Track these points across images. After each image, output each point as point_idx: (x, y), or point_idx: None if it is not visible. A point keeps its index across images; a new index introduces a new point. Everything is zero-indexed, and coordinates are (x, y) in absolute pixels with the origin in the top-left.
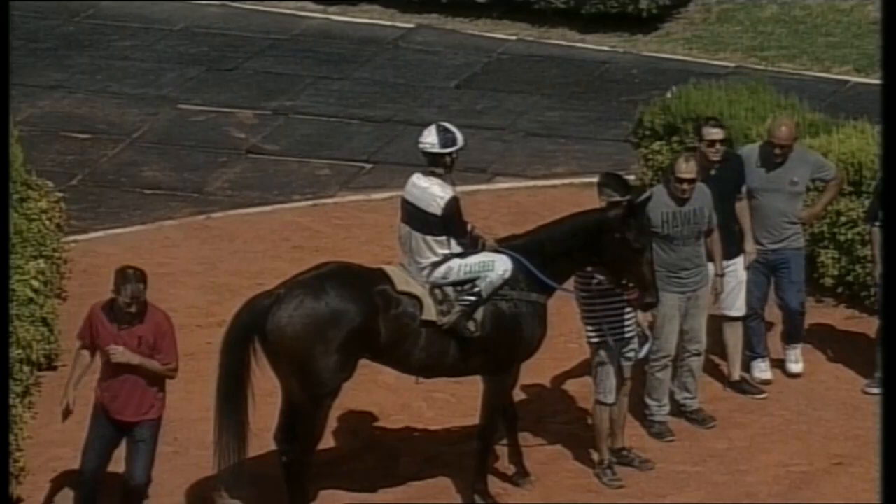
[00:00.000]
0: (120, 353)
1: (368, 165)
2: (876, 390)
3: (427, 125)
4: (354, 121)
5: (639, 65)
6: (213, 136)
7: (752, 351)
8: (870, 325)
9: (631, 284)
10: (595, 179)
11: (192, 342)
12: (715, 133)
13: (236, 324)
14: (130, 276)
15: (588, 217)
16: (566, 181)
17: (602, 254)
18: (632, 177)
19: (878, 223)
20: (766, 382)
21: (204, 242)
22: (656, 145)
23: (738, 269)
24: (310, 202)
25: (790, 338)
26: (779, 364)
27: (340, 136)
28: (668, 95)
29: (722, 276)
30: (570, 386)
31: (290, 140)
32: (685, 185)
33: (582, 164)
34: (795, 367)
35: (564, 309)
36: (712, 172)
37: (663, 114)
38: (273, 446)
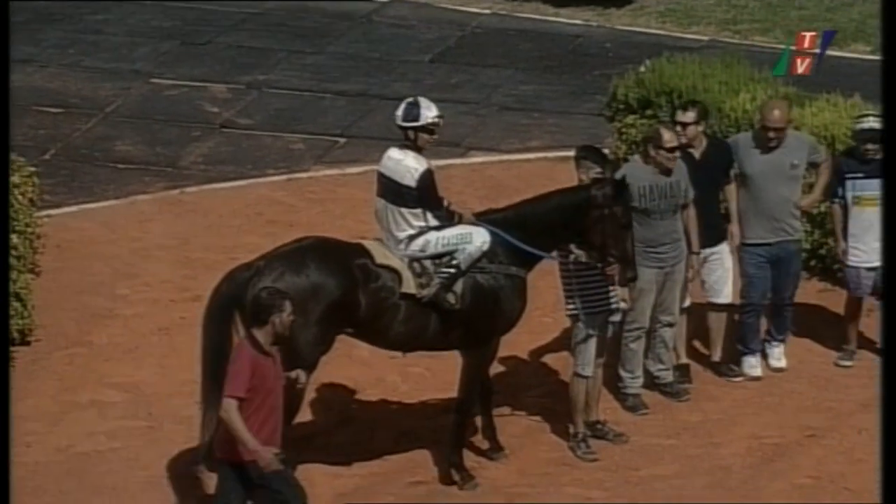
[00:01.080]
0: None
1: (342, 140)
2: (848, 363)
3: (400, 99)
4: (328, 95)
5: (612, 38)
6: (187, 110)
7: (746, 346)
8: (841, 298)
9: (611, 260)
10: (570, 153)
11: (165, 317)
12: (687, 116)
13: (216, 297)
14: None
15: (575, 194)
16: (540, 155)
17: (588, 230)
18: (606, 150)
19: (836, 200)
20: (755, 379)
21: (177, 217)
22: (630, 119)
23: (723, 256)
24: (284, 176)
25: (777, 332)
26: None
27: (314, 110)
28: (642, 69)
29: (697, 253)
30: (545, 360)
31: (263, 114)
32: (674, 154)
33: (556, 138)
34: (779, 363)
35: (540, 283)
36: (699, 158)
37: (637, 87)
38: None
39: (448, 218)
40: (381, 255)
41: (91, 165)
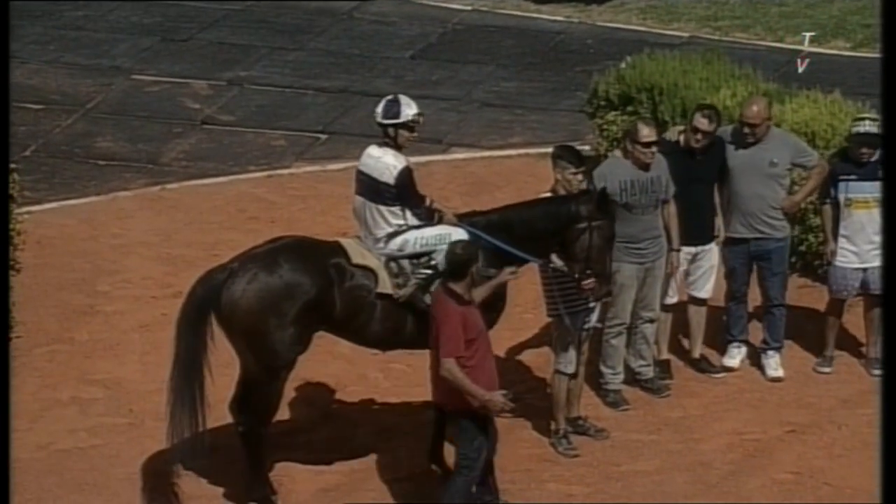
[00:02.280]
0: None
1: (324, 136)
2: (827, 369)
3: (382, 96)
4: (309, 91)
5: (594, 35)
6: (168, 106)
7: (729, 333)
8: (822, 295)
9: (588, 273)
10: (551, 150)
11: (147, 313)
12: (702, 124)
13: (191, 299)
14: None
15: (561, 205)
16: (522, 151)
17: (572, 242)
18: (587, 147)
19: (828, 201)
20: (729, 370)
21: (159, 213)
22: (611, 115)
23: (711, 254)
24: (265, 173)
25: (772, 338)
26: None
27: (295, 106)
28: (623, 66)
29: (678, 250)
30: (527, 356)
31: (245, 111)
32: (651, 149)
33: (538, 135)
34: (776, 372)
35: (521, 280)
36: (697, 156)
37: (618, 84)
38: (230, 418)
39: (428, 217)
40: (358, 254)
41: (72, 162)
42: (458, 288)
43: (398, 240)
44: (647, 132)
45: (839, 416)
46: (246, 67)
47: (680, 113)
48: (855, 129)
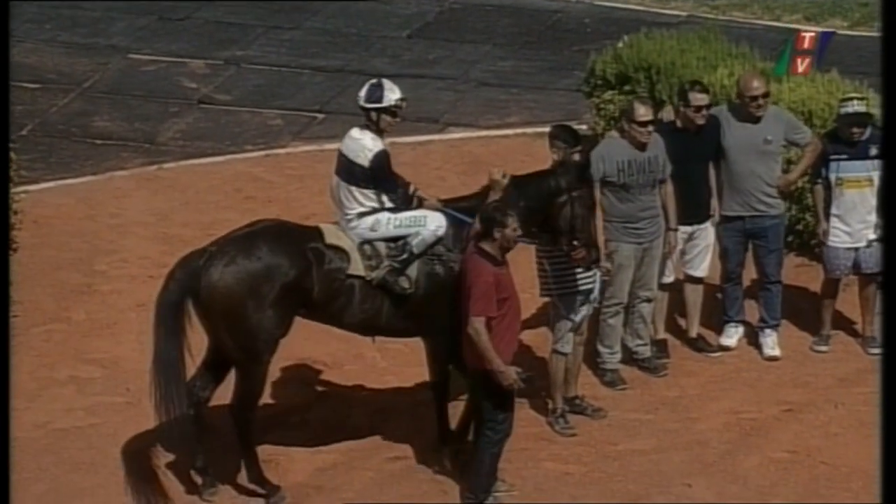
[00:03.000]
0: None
1: (320, 115)
2: (824, 348)
3: (379, 75)
4: (306, 71)
5: (591, 14)
6: (165, 86)
7: (726, 314)
8: (819, 274)
9: (576, 244)
10: (547, 129)
11: (144, 293)
12: (701, 98)
13: (170, 283)
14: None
15: (540, 181)
16: (519, 131)
17: (554, 216)
18: (584, 126)
19: (819, 181)
20: (726, 349)
21: (155, 193)
22: (608, 95)
23: (707, 233)
24: (262, 152)
25: (769, 316)
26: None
27: (292, 86)
28: (620, 45)
29: (675, 230)
30: (524, 336)
31: (241, 90)
32: (647, 129)
33: (534, 114)
34: (773, 351)
35: (518, 258)
36: (692, 135)
37: (615, 63)
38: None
39: (406, 202)
40: (333, 236)
41: (68, 141)
42: (489, 248)
43: (369, 219)
44: (643, 111)
45: (836, 395)
46: (243, 47)
47: (677, 92)
48: (843, 110)
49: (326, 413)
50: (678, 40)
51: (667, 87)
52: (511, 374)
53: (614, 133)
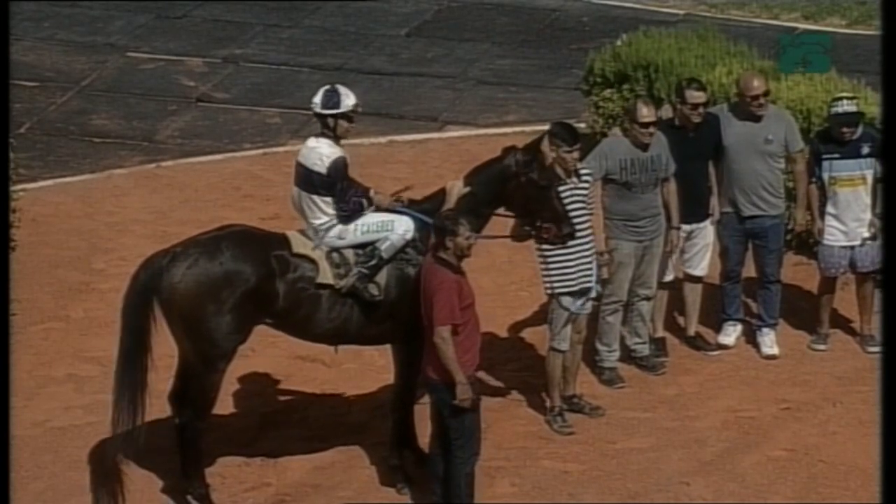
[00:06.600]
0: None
1: None
2: (822, 346)
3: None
4: (304, 69)
5: (589, 12)
6: (163, 84)
7: (725, 312)
8: (817, 272)
9: (544, 225)
10: (546, 127)
11: None
12: (698, 96)
13: (134, 283)
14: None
15: (489, 168)
16: (517, 129)
17: (511, 201)
18: (582, 125)
19: (813, 181)
20: (724, 347)
21: (154, 191)
22: (607, 93)
23: (706, 232)
24: (260, 151)
25: (767, 314)
26: (751, 339)
27: (290, 84)
28: (619, 43)
29: (678, 228)
30: (522, 334)
31: (240, 88)
32: (649, 129)
33: (533, 113)
34: (771, 350)
35: (516, 257)
36: (690, 134)
37: (613, 61)
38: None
39: (355, 210)
40: (300, 245)
41: (66, 139)
42: (447, 256)
43: (335, 229)
44: (646, 112)
45: (834, 394)
46: (241, 45)
47: (675, 91)
48: (834, 110)
49: (325, 411)
50: (676, 38)
51: (665, 86)
52: (468, 391)
53: (617, 131)
